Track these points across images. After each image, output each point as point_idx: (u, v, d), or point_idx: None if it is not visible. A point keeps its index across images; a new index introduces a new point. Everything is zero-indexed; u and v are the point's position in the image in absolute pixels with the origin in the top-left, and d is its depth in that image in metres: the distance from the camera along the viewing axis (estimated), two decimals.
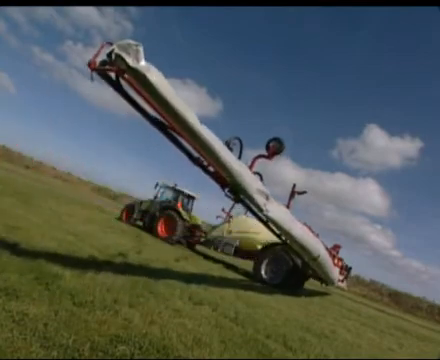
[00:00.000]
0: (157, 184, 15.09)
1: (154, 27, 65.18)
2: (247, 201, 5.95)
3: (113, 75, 4.32)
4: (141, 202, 15.58)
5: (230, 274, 10.27)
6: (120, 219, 15.37)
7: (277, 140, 5.82)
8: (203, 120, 4.49)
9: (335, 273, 9.61)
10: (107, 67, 4.08)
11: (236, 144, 5.40)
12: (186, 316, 3.92)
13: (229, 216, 12.93)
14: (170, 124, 4.80)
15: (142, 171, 79.96)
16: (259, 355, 3.49)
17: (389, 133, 60.73)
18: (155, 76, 3.85)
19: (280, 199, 6.30)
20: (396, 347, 7.10)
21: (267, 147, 5.86)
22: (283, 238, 7.69)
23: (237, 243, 11.90)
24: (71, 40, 72.32)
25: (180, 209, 13.91)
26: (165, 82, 4.00)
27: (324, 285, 11.21)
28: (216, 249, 12.45)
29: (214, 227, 13.65)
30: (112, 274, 4.62)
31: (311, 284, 13.28)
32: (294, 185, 7.23)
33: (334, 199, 65.66)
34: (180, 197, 14.61)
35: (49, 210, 9.99)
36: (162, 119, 4.79)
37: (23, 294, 3.03)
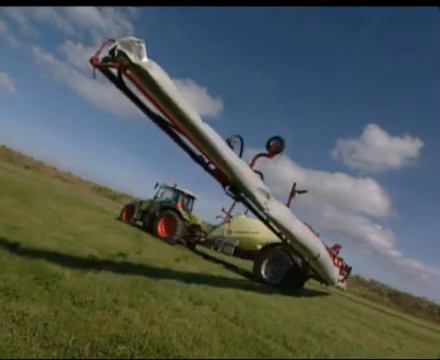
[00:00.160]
0: (157, 184, 15.11)
1: (154, 27, 65.24)
2: (248, 199, 5.96)
3: (115, 72, 4.33)
4: (141, 202, 15.59)
5: (230, 274, 10.26)
6: (120, 219, 15.37)
7: (278, 139, 5.83)
8: (203, 120, 4.50)
9: (335, 273, 9.62)
10: (109, 63, 4.09)
11: (237, 142, 5.41)
12: (186, 316, 3.92)
13: (229, 216, 12.93)
14: (172, 121, 4.80)
15: (142, 171, 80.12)
16: (259, 355, 3.49)
17: (389, 133, 60.84)
18: (157, 73, 3.85)
19: (280, 199, 6.31)
20: (396, 347, 7.10)
21: (268, 146, 5.87)
22: (283, 237, 7.70)
23: (237, 243, 11.90)
24: (71, 40, 72.42)
25: (180, 209, 13.91)
26: (167, 79, 4.00)
27: (324, 285, 11.22)
28: (216, 249, 12.45)
29: (214, 227, 13.64)
30: (112, 274, 4.62)
31: (311, 284, 13.28)
32: (294, 184, 7.25)
33: (334, 199, 65.79)
34: (180, 197, 14.61)
35: (49, 210, 9.98)
36: (164, 116, 4.79)
37: (23, 294, 3.03)
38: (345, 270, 11.18)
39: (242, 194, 5.86)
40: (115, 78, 4.42)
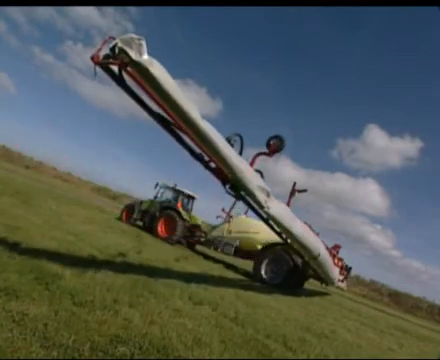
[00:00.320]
0: (157, 184, 15.11)
1: (154, 27, 65.19)
2: (248, 198, 5.96)
3: (116, 69, 4.33)
4: (141, 202, 15.59)
5: (230, 274, 10.26)
6: (120, 219, 15.37)
7: (278, 137, 5.85)
8: (203, 119, 4.49)
9: (335, 273, 9.61)
10: (110, 60, 4.09)
11: (237, 141, 5.42)
12: (186, 316, 3.92)
13: (229, 216, 12.93)
14: (172, 118, 4.79)
15: (142, 171, 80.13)
16: (259, 355, 3.49)
17: (389, 133, 60.80)
18: (158, 70, 3.86)
19: (280, 199, 6.31)
20: (396, 347, 7.10)
21: (268, 144, 5.89)
22: (283, 236, 7.70)
23: (237, 243, 11.90)
24: (71, 40, 72.40)
25: (180, 209, 13.91)
26: (168, 76, 4.00)
27: (324, 285, 11.21)
28: (216, 249, 12.44)
29: (214, 227, 13.64)
30: (112, 274, 4.62)
31: (311, 284, 13.28)
32: (294, 183, 7.26)
33: (334, 199, 65.77)
34: (180, 197, 14.61)
35: (49, 210, 9.98)
36: (164, 114, 4.79)
37: (23, 294, 3.03)
38: (345, 270, 11.18)
39: (242, 192, 5.86)
40: (116, 75, 4.42)
